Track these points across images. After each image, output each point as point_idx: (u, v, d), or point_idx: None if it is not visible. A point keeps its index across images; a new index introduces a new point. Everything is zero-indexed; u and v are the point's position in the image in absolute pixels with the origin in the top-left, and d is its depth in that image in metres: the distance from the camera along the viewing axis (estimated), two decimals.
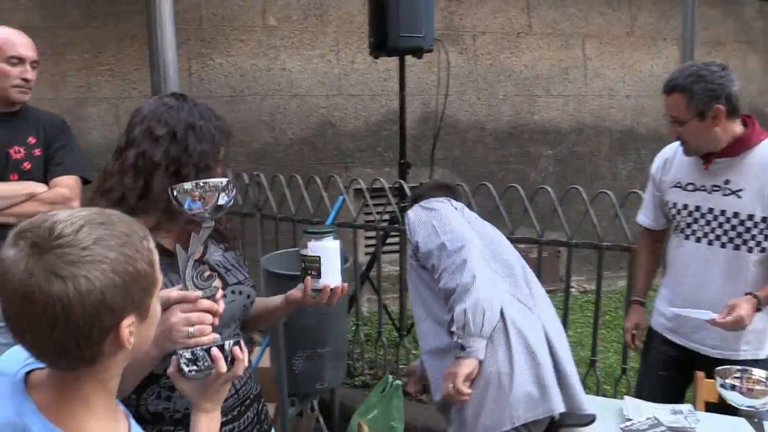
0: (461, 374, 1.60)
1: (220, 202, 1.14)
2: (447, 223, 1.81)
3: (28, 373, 0.92)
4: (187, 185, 1.14)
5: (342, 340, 3.04)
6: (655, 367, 2.13)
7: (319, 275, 1.45)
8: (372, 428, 2.78)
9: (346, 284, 1.50)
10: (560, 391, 1.68)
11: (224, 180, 1.17)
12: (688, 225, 1.97)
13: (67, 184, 2.41)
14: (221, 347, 1.10)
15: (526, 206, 2.90)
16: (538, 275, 2.84)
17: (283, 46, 4.26)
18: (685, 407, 1.84)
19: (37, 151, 2.39)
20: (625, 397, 1.94)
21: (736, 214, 1.86)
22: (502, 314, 1.69)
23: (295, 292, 1.47)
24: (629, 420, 1.79)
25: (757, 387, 1.44)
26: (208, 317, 1.12)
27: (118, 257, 0.82)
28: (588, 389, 3.04)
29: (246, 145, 4.22)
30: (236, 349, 1.11)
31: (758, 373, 1.49)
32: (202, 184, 1.14)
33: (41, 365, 0.91)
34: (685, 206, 1.97)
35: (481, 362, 1.65)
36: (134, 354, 0.93)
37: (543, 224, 2.92)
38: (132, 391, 1.22)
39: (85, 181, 2.50)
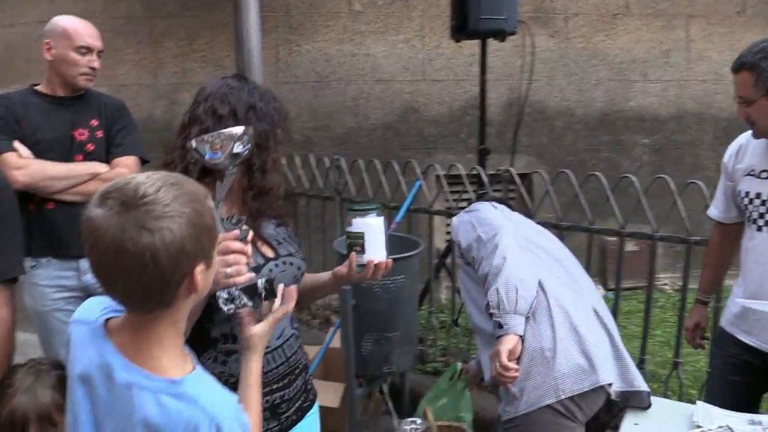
0: (503, 351, 1.64)
1: (236, 150, 1.23)
2: (483, 217, 1.92)
3: (106, 321, 1.06)
4: (205, 136, 1.22)
5: (412, 325, 3.04)
6: (725, 370, 1.98)
7: (363, 251, 1.48)
8: (440, 416, 2.77)
9: (390, 260, 1.52)
10: (618, 369, 1.73)
11: (239, 130, 1.23)
12: (761, 215, 1.83)
13: (126, 164, 2.55)
14: (255, 285, 1.22)
15: (608, 196, 2.76)
16: (620, 269, 2.75)
17: (368, 32, 4.27)
18: (766, 418, 1.69)
19: (100, 133, 2.52)
20: (698, 402, 1.81)
21: None
22: (544, 292, 1.75)
23: (342, 268, 1.51)
24: (698, 427, 1.67)
25: None
26: (243, 258, 1.22)
27: (191, 212, 0.95)
28: (671, 392, 2.89)
29: (330, 129, 4.29)
30: (281, 287, 1.26)
31: None
32: (217, 134, 1.22)
33: (117, 314, 1.07)
34: (758, 195, 1.84)
35: (522, 338, 1.69)
36: (199, 298, 1.06)
37: (627, 216, 2.77)
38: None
39: (143, 161, 2.64)
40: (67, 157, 2.42)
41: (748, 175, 1.88)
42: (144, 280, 0.92)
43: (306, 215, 4.13)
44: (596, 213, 2.84)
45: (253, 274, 1.24)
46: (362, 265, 1.47)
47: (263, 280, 1.23)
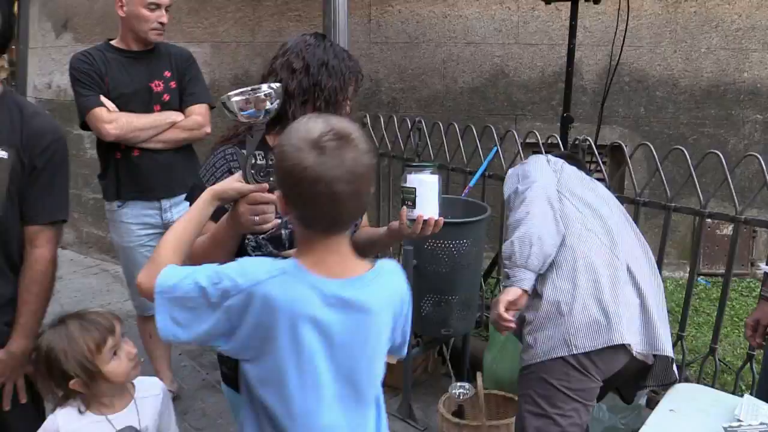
0: (503, 300, 1.70)
1: (267, 107, 1.28)
2: (527, 170, 1.92)
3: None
4: (235, 93, 1.28)
5: (473, 290, 3.05)
6: None
7: (413, 206, 1.51)
8: (500, 365, 2.84)
9: (441, 218, 1.54)
10: (644, 331, 1.73)
11: (267, 87, 1.29)
12: None
13: (199, 111, 2.74)
14: (280, 235, 1.33)
15: (726, 176, 2.54)
16: (697, 252, 2.61)
17: None
18: None
19: (173, 84, 2.72)
20: (745, 395, 1.72)
21: None
22: (572, 247, 1.75)
23: (395, 223, 1.55)
24: (739, 421, 1.59)
25: None
26: (270, 207, 1.30)
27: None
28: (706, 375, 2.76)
29: (417, 91, 4.29)
30: None
31: None
32: (247, 91, 1.28)
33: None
34: None
35: (536, 293, 1.75)
36: None
37: (725, 195, 2.59)
38: None
39: (211, 107, 2.81)
40: (147, 108, 2.63)
41: None
42: (367, 198, 1.14)
43: (388, 176, 4.19)
44: (693, 191, 2.66)
45: (277, 221, 1.31)
46: (411, 220, 1.51)
47: (288, 231, 1.31)
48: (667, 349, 1.72)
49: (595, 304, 1.68)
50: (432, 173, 1.54)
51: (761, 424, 1.56)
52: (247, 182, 1.30)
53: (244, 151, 1.37)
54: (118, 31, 2.69)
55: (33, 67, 5.79)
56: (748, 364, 2.58)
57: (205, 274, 1.13)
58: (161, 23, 2.62)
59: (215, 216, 1.48)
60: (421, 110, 4.27)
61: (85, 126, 2.64)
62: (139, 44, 2.67)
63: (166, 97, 2.69)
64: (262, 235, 1.33)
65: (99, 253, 5.17)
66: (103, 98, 2.56)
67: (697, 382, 2.81)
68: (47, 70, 5.45)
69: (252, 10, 4.38)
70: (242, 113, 1.27)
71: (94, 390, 1.55)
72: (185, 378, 3.31)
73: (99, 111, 2.54)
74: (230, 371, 1.59)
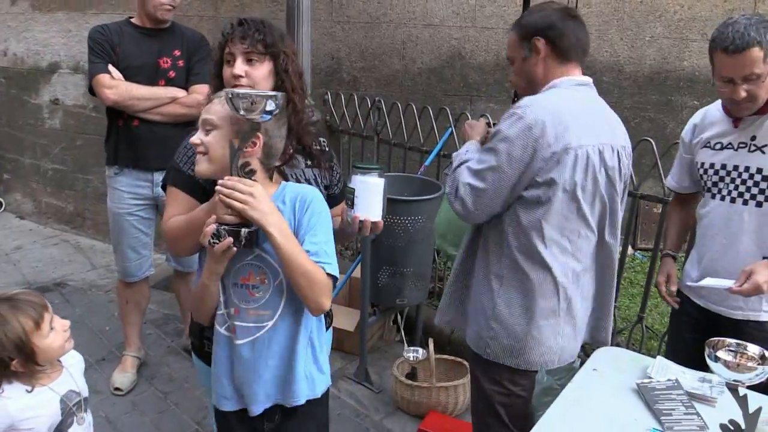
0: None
1: (268, 108, 1.37)
2: None
3: None
4: (240, 92, 1.37)
5: (426, 263, 3.25)
6: (682, 328, 2.13)
7: (352, 206, 1.63)
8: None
9: (381, 222, 1.65)
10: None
11: (274, 94, 1.39)
12: (714, 184, 1.95)
13: (201, 90, 2.87)
14: (239, 231, 1.38)
15: (657, 161, 2.78)
16: (660, 234, 2.85)
17: None
18: (715, 377, 1.83)
19: (181, 62, 2.87)
20: (658, 356, 1.97)
21: (759, 170, 1.84)
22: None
23: (336, 219, 1.68)
24: (649, 378, 1.83)
25: (747, 363, 1.43)
26: (234, 180, 1.39)
27: None
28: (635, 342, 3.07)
29: (377, 70, 4.43)
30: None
31: (753, 349, 1.46)
32: (252, 92, 1.38)
33: None
34: (712, 165, 1.95)
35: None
36: None
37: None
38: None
39: None
40: (151, 82, 2.82)
41: (705, 147, 1.98)
42: None
43: (347, 152, 4.34)
44: (637, 172, 2.88)
45: (235, 219, 1.40)
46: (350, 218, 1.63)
47: (246, 230, 1.39)
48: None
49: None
50: (378, 176, 1.63)
51: (668, 380, 1.80)
52: (231, 174, 1.41)
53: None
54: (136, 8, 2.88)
55: None
56: (639, 324, 2.91)
57: None
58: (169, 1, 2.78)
59: (196, 195, 1.61)
60: (380, 89, 4.41)
61: (92, 91, 2.84)
62: (151, 21, 2.84)
63: (172, 74, 2.86)
64: (225, 226, 1.41)
65: (58, 224, 5.19)
66: (111, 67, 2.76)
67: (627, 347, 3.12)
68: (2, 38, 5.35)
69: None
70: (244, 112, 1.36)
71: (34, 367, 1.59)
72: (151, 345, 3.44)
73: (102, 77, 2.75)
74: (196, 340, 1.73)
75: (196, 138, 1.46)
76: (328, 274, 1.46)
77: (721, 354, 1.46)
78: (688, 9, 4.47)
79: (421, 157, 3.64)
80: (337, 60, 4.41)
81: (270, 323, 1.50)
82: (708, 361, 1.46)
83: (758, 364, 1.41)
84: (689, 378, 1.81)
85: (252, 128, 1.43)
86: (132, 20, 2.90)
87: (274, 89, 1.66)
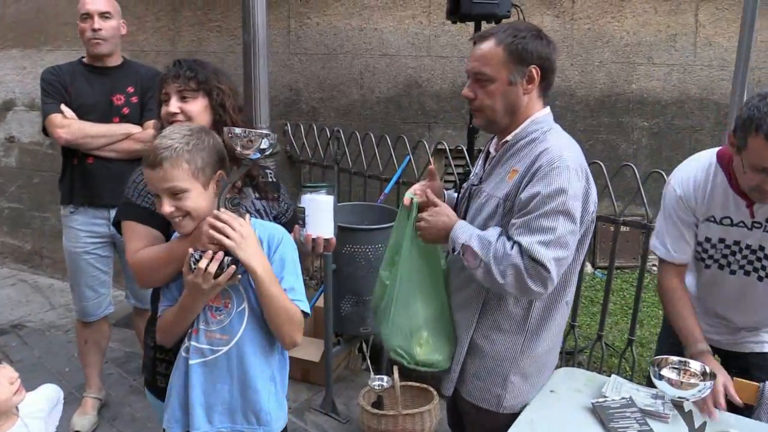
0: None
1: (263, 146, 1.42)
2: None
3: None
4: (238, 131, 1.42)
5: None
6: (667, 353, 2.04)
7: (304, 224, 1.66)
8: None
9: (333, 239, 1.69)
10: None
11: (270, 134, 1.44)
12: (724, 256, 1.85)
13: (156, 126, 2.87)
14: (222, 260, 1.41)
15: (607, 183, 2.86)
16: (614, 254, 2.88)
17: (377, 7, 4.41)
18: (668, 394, 1.88)
19: (135, 99, 2.88)
20: (612, 375, 2.01)
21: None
22: None
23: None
24: (604, 397, 1.87)
25: (689, 379, 1.48)
26: (227, 216, 1.43)
27: None
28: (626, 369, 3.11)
29: (336, 101, 4.48)
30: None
31: (695, 366, 1.52)
32: (249, 131, 1.43)
33: None
34: (722, 240, 1.83)
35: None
36: None
37: (625, 199, 2.95)
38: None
39: None
40: (105, 119, 2.81)
41: (708, 221, 1.84)
42: None
43: (309, 182, 4.37)
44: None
45: (218, 251, 1.43)
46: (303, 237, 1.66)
47: (230, 258, 1.43)
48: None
49: None
50: (327, 194, 1.67)
51: (622, 398, 1.85)
52: (218, 207, 1.46)
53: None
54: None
55: None
56: (629, 347, 2.94)
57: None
58: (94, 30, 2.77)
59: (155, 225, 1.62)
60: (339, 119, 4.46)
61: (46, 131, 2.82)
62: (96, 59, 2.85)
63: (126, 110, 2.85)
64: (229, 257, 1.43)
65: (15, 263, 5.07)
66: (63, 107, 2.76)
67: (587, 366, 3.17)
68: None
69: (172, 20, 4.44)
70: (240, 149, 1.41)
71: None
72: (112, 385, 3.37)
73: (54, 117, 2.74)
74: (149, 375, 1.73)
75: (169, 208, 1.46)
76: (303, 311, 1.53)
77: (665, 372, 1.51)
78: (634, 35, 4.66)
79: (381, 185, 3.69)
80: (296, 91, 4.46)
81: (225, 348, 1.51)
82: (653, 379, 1.51)
83: (700, 380, 1.46)
84: (643, 395, 1.86)
85: (244, 164, 1.48)
86: (84, 60, 2.91)
87: (212, 124, 1.70)
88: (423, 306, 1.78)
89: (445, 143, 3.40)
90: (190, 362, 1.51)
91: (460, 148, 3.40)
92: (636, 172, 2.86)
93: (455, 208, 1.81)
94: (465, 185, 1.88)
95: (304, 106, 4.47)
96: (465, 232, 1.62)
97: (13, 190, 4.98)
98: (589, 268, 4.72)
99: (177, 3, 4.42)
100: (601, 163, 2.91)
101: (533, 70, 1.58)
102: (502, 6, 3.35)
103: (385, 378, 2.96)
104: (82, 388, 3.16)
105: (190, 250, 1.44)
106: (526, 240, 1.49)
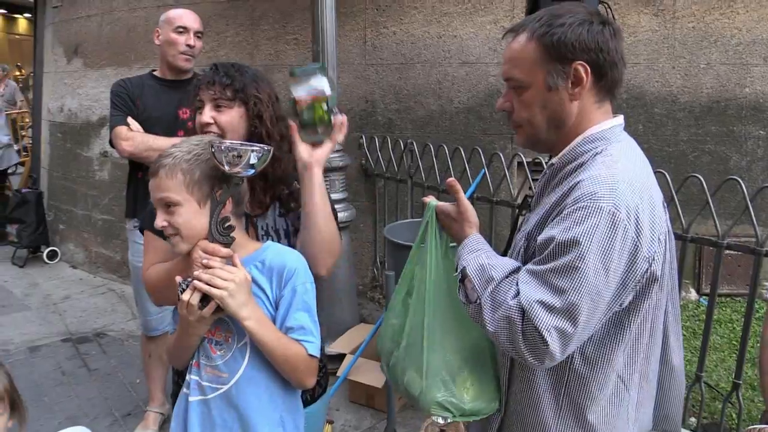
0: None
1: (252, 161, 1.28)
2: None
3: None
4: (225, 144, 1.28)
5: None
6: None
7: (333, 113, 1.45)
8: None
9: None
10: None
11: (260, 147, 1.30)
12: None
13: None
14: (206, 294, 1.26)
15: (708, 200, 2.51)
16: (716, 282, 2.53)
17: (456, 13, 4.20)
18: None
19: None
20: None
21: None
22: None
23: (303, 155, 1.49)
24: None
25: None
26: (216, 263, 1.29)
27: None
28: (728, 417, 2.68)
29: (413, 112, 4.31)
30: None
31: None
32: (237, 144, 1.29)
33: None
34: None
35: None
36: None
37: (735, 217, 2.56)
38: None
39: None
40: (170, 132, 2.79)
41: None
42: None
43: (383, 196, 4.21)
44: (695, 209, 2.63)
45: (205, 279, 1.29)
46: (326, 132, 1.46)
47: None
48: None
49: None
50: (323, 74, 1.44)
51: None
52: (211, 235, 1.32)
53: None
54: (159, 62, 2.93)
55: (47, 90, 5.97)
56: (735, 391, 2.52)
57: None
58: (189, 45, 2.81)
59: None
60: (416, 131, 4.28)
61: (112, 143, 2.84)
62: (173, 72, 2.87)
63: (191, 124, 2.81)
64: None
65: (107, 273, 5.28)
66: (130, 119, 2.77)
67: (684, 412, 2.76)
68: (60, 94, 5.61)
69: (250, 34, 4.46)
70: (228, 166, 1.28)
71: None
72: None
73: (119, 129, 2.75)
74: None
75: (161, 221, 1.35)
76: (310, 355, 1.36)
77: None
78: (747, 32, 4.14)
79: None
80: (372, 103, 4.32)
81: (224, 387, 1.36)
82: None
83: None
84: None
85: (235, 183, 1.34)
86: (155, 73, 2.94)
87: (246, 136, 1.57)
88: (459, 336, 1.43)
89: (521, 155, 3.12)
90: (190, 399, 1.37)
91: (538, 160, 3.10)
92: (743, 187, 2.46)
93: (510, 238, 1.51)
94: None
95: (380, 117, 4.33)
96: (471, 252, 1.30)
97: (106, 202, 5.20)
98: (693, 294, 4.22)
99: (256, 17, 4.44)
100: (700, 177, 2.53)
101: (579, 68, 1.20)
102: (588, 3, 3.04)
103: (449, 415, 2.72)
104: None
105: (178, 279, 1.30)
106: (528, 294, 1.15)
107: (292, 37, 4.38)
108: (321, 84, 1.43)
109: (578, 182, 1.18)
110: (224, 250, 1.31)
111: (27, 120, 9.10)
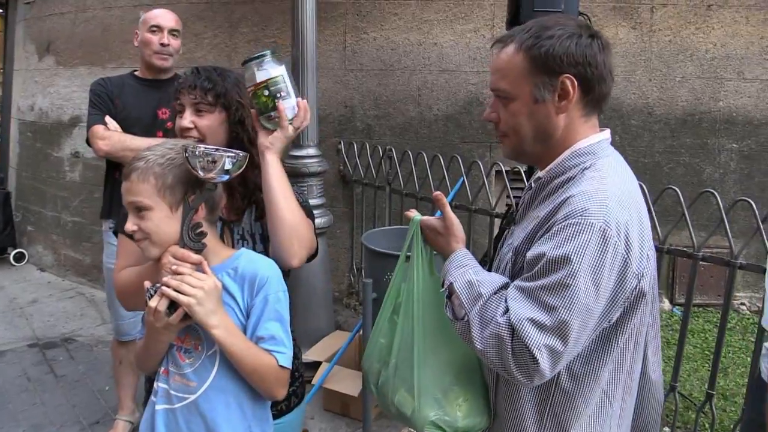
0: None
1: (227, 166, 1.26)
2: None
3: None
4: (199, 149, 1.25)
5: None
6: (757, 420, 1.65)
7: (287, 95, 1.44)
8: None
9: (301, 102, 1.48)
10: None
11: (234, 153, 1.28)
12: None
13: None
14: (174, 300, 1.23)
15: (684, 212, 2.55)
16: (691, 292, 2.55)
17: (436, 20, 4.20)
18: None
19: None
20: None
21: None
22: None
23: (271, 136, 1.47)
24: None
25: None
26: (186, 269, 1.27)
27: None
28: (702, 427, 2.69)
29: (391, 118, 4.29)
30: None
31: None
32: (212, 149, 1.26)
33: None
34: None
35: None
36: None
37: (710, 228, 2.59)
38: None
39: None
40: (149, 133, 2.74)
41: None
42: None
43: (361, 203, 4.18)
44: (670, 220, 2.66)
45: (172, 286, 1.26)
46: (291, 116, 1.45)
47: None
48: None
49: None
50: (277, 61, 1.43)
51: None
52: (182, 240, 1.29)
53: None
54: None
55: (17, 88, 5.83)
56: (709, 401, 2.54)
57: None
58: (162, 44, 2.77)
59: None
60: (395, 137, 4.26)
61: (89, 142, 2.77)
62: (152, 72, 2.83)
63: (170, 124, 2.80)
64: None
65: (76, 276, 5.15)
66: (108, 118, 2.70)
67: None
68: (30, 93, 5.48)
69: (229, 37, 4.41)
70: (201, 171, 1.25)
71: None
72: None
73: (96, 128, 2.68)
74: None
75: (132, 225, 1.31)
76: (281, 366, 1.33)
77: None
78: (722, 47, 4.21)
79: (433, 207, 3.44)
80: (351, 108, 4.30)
81: (192, 396, 1.32)
82: None
83: None
84: None
85: (208, 189, 1.31)
86: (135, 73, 2.90)
87: (227, 142, 1.54)
88: (449, 352, 1.41)
89: (500, 164, 3.12)
90: (156, 407, 1.33)
91: (517, 169, 3.10)
92: (719, 200, 2.50)
93: (493, 253, 1.48)
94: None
95: (358, 123, 4.31)
96: (458, 267, 1.28)
97: (77, 204, 5.08)
98: (666, 304, 4.27)
99: (234, 20, 4.39)
100: (676, 189, 2.56)
101: (567, 81, 1.19)
102: (566, 15, 3.06)
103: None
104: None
105: (147, 284, 1.27)
106: (518, 312, 1.13)
107: (271, 41, 4.34)
108: (266, 70, 1.42)
109: (568, 198, 1.17)
110: (194, 257, 1.29)
111: None
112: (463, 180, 3.29)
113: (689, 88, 4.24)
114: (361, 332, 3.10)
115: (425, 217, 1.43)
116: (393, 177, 3.78)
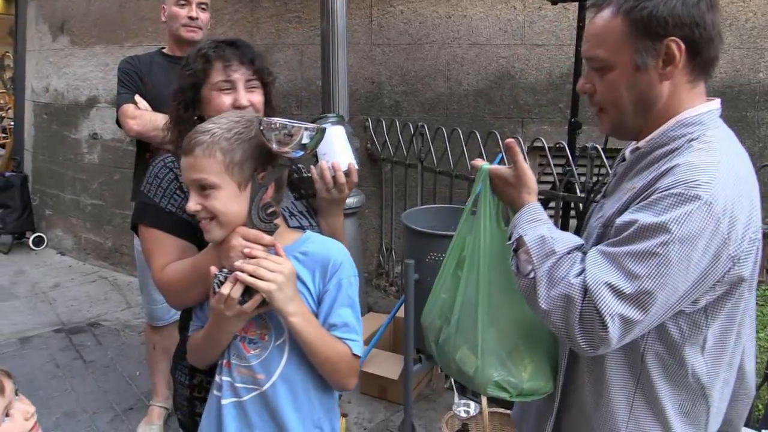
0: None
1: (304, 140, 1.17)
2: None
3: None
4: (274, 122, 1.16)
5: None
6: None
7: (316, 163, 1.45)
8: None
9: (352, 163, 1.44)
10: None
11: (313, 126, 1.19)
12: None
13: None
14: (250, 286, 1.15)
15: None
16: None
17: None
18: None
19: None
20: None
21: None
22: None
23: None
24: None
25: None
26: (260, 252, 1.18)
27: None
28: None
29: (420, 94, 4.16)
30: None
31: None
32: (288, 122, 1.17)
33: None
34: None
35: None
36: None
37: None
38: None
39: None
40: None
41: None
42: None
43: (390, 182, 4.08)
44: None
45: (242, 286, 1.17)
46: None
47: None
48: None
49: None
50: (336, 124, 1.45)
51: None
52: (251, 221, 1.20)
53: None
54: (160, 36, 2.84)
55: (30, 69, 5.71)
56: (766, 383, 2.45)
57: None
58: (190, 18, 2.68)
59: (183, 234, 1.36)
60: (424, 113, 4.14)
61: (119, 122, 2.69)
62: (181, 48, 2.71)
63: None
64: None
65: (97, 260, 5.08)
66: (137, 97, 2.61)
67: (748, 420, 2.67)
68: (44, 74, 5.36)
69: (250, 12, 4.27)
70: (277, 145, 1.16)
71: None
72: None
73: (126, 107, 2.60)
74: (186, 417, 1.50)
75: (194, 205, 1.20)
76: (354, 354, 1.26)
77: None
78: (762, 16, 4.06)
79: (469, 185, 3.33)
80: (378, 84, 4.17)
81: (260, 389, 1.24)
82: None
83: None
84: None
85: (281, 165, 1.22)
86: (163, 50, 2.80)
87: None
88: (515, 309, 1.31)
89: (542, 140, 3.00)
90: (222, 401, 1.25)
91: (560, 145, 2.99)
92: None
93: (578, 226, 1.40)
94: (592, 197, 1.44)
95: (386, 100, 4.18)
96: (530, 221, 1.19)
97: (96, 186, 4.99)
98: None
99: None
100: None
101: (672, 45, 1.10)
102: None
103: (472, 404, 2.64)
104: (151, 395, 3.01)
105: (214, 270, 1.17)
106: (595, 275, 1.05)
107: (294, 15, 4.20)
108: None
109: (673, 167, 1.09)
110: (268, 238, 1.20)
111: (2, 101, 8.77)
112: (502, 156, 3.18)
113: (728, 59, 4.09)
114: (402, 311, 3.02)
115: (495, 166, 1.33)
116: (425, 154, 3.66)
